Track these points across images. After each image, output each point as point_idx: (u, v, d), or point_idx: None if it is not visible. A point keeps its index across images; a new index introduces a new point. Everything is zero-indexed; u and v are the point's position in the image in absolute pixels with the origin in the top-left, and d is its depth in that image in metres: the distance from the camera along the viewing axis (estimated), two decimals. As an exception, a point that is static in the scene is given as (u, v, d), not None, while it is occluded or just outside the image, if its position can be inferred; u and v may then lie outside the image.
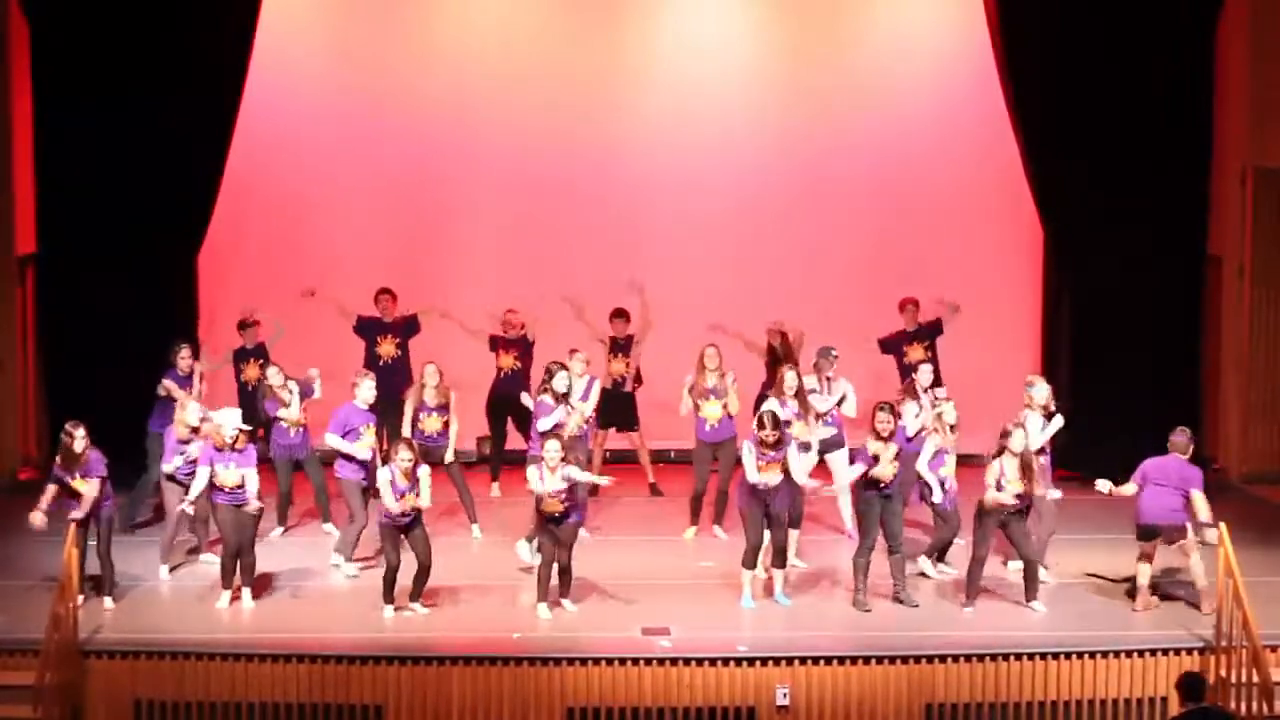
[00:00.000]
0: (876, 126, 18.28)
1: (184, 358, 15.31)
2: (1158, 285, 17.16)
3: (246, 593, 13.31)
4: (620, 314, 16.77)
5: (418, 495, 12.98)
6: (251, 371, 15.95)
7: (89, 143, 16.48)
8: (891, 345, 16.59)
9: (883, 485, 13.20)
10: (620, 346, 16.73)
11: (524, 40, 18.25)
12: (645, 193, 18.35)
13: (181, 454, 13.84)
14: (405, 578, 13.16)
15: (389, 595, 13.11)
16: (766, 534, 13.34)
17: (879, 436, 13.23)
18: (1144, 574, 13.21)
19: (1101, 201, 16.99)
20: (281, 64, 17.66)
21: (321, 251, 18.20)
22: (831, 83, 18.28)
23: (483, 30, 18.27)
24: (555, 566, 13.11)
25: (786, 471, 13.18)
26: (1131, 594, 13.34)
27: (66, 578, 12.16)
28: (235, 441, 13.24)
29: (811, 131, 18.27)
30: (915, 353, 16.10)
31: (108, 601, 13.19)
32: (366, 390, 14.18)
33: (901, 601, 13.28)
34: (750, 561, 13.30)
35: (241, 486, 13.20)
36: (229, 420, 13.32)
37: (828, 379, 15.00)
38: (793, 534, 13.91)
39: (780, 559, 13.40)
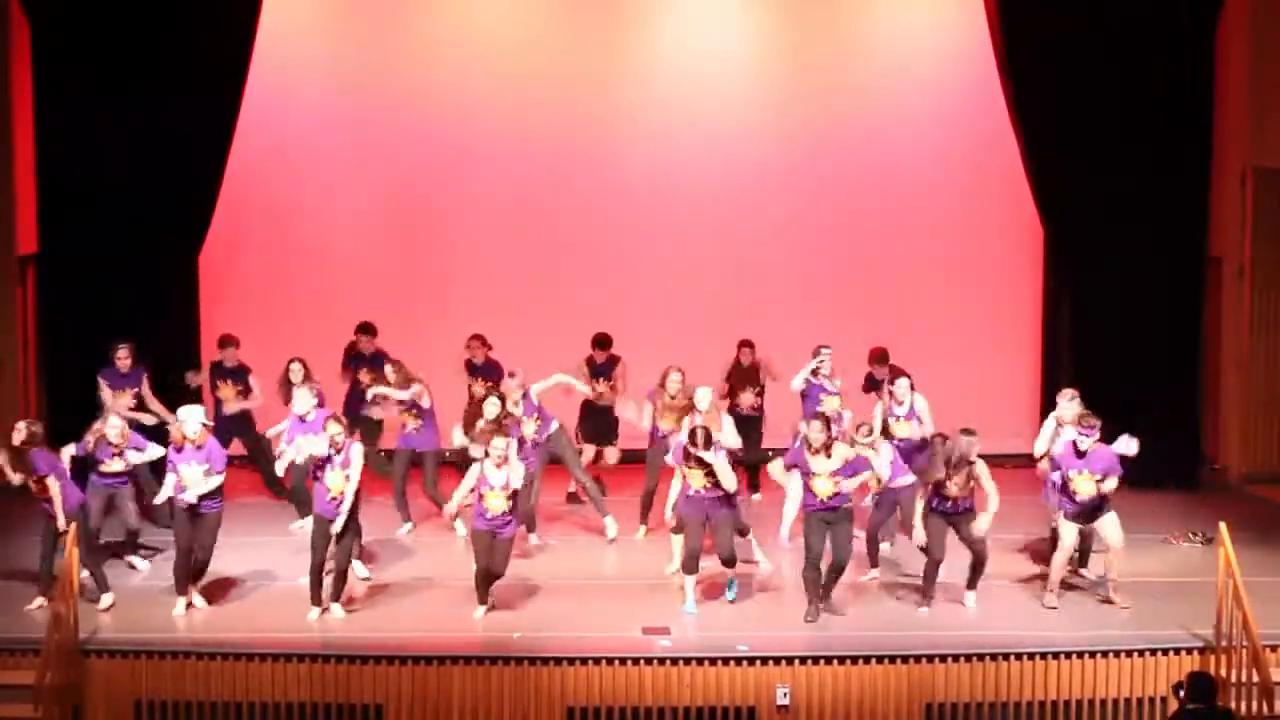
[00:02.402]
0: (877, 127, 18.28)
1: (122, 357, 15.27)
2: (1158, 285, 17.15)
3: (198, 596, 13.21)
4: (602, 341, 16.18)
5: (348, 477, 12.89)
6: (227, 391, 15.81)
7: (89, 143, 16.48)
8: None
9: (821, 501, 12.99)
10: (600, 370, 16.15)
11: (524, 42, 18.24)
12: (646, 193, 18.33)
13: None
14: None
15: (315, 595, 13.05)
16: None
17: (813, 449, 12.94)
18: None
19: (1101, 201, 16.98)
20: (282, 66, 17.67)
21: (321, 253, 18.22)
22: (832, 83, 18.28)
23: (483, 32, 18.25)
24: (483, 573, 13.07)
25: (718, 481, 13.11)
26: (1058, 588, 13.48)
27: (66, 577, 12.16)
28: (196, 438, 13.03)
29: (812, 132, 18.26)
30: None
31: (105, 599, 13.12)
32: (301, 402, 14.17)
33: (828, 608, 13.19)
34: (691, 567, 13.21)
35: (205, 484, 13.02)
36: (193, 416, 13.12)
37: (825, 377, 15.08)
38: (750, 541, 13.99)
39: (729, 564, 13.31)
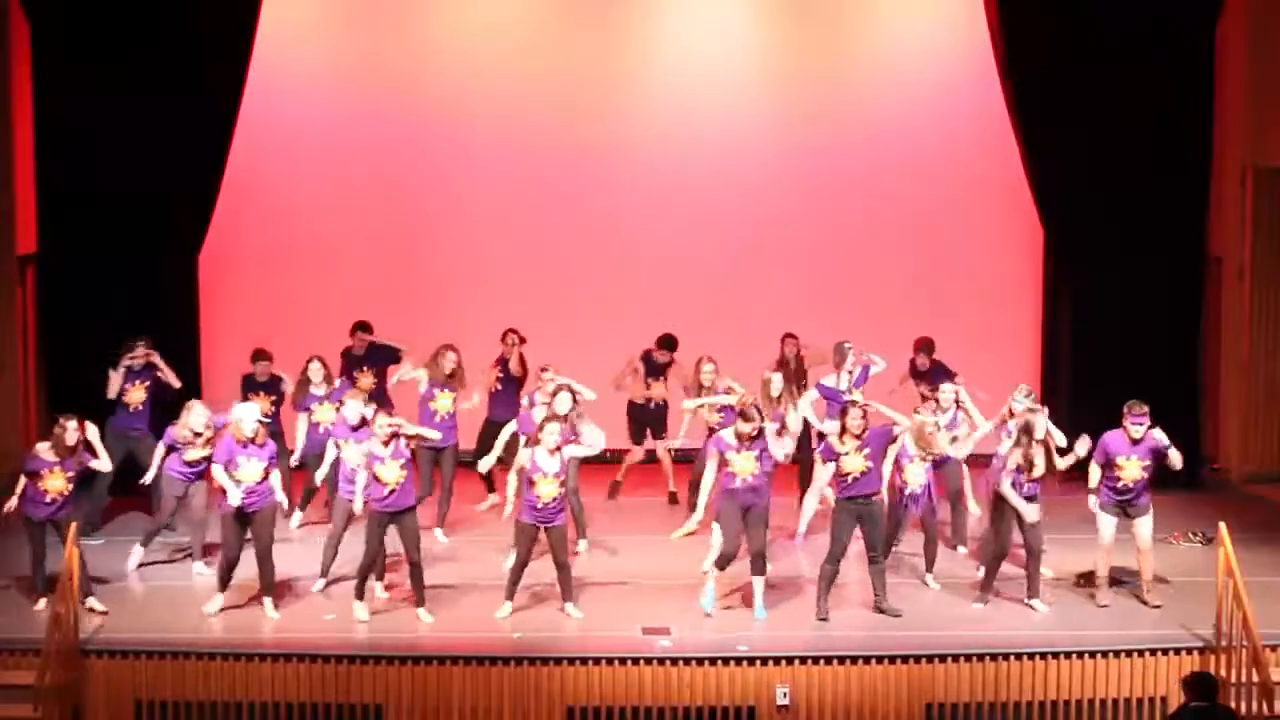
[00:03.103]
0: (877, 127, 18.29)
1: (135, 356, 15.23)
2: (1158, 285, 17.16)
3: (269, 601, 13.15)
4: (669, 343, 16.40)
5: (403, 467, 12.85)
6: (262, 404, 15.67)
7: (89, 143, 16.47)
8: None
9: (852, 481, 12.90)
10: (657, 369, 16.35)
11: (524, 42, 18.24)
12: (646, 193, 18.33)
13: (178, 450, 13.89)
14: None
15: (360, 590, 13.02)
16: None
17: (852, 434, 12.92)
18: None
19: (1101, 201, 17.00)
20: (282, 66, 17.66)
21: (321, 253, 18.21)
22: (831, 83, 18.29)
23: (482, 33, 18.24)
24: (554, 567, 13.11)
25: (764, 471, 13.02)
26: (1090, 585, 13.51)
27: (68, 577, 12.16)
28: (256, 436, 13.14)
29: (811, 132, 18.26)
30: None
31: (94, 604, 13.02)
32: (353, 412, 14.13)
33: (884, 611, 13.14)
34: (723, 565, 13.12)
35: (263, 482, 13.05)
36: (249, 415, 13.20)
37: (849, 373, 15.05)
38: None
39: (759, 564, 13.12)
